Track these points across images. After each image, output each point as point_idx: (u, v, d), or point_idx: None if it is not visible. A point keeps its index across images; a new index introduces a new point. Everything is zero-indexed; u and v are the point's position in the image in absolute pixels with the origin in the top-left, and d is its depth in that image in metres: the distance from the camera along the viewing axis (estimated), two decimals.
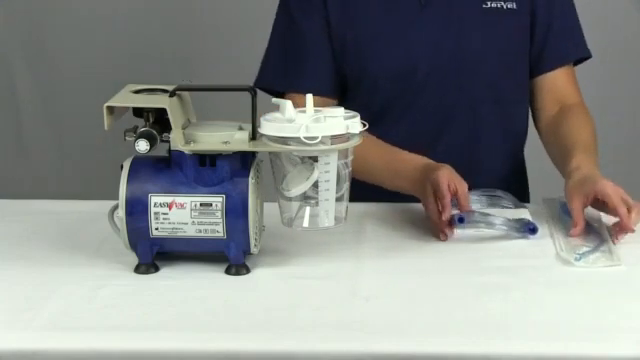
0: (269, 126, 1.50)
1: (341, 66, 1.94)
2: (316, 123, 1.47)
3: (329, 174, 1.51)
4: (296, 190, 1.51)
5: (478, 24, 1.91)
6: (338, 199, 1.53)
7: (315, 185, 1.51)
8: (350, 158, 1.53)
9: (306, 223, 1.55)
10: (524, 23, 1.93)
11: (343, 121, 1.49)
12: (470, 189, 1.74)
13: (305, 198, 1.54)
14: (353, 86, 1.95)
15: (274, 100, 1.54)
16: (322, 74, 1.94)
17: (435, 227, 1.68)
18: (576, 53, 2.01)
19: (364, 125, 1.52)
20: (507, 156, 1.99)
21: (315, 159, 1.50)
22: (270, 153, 1.52)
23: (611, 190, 1.66)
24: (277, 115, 1.51)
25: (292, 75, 1.94)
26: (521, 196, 1.89)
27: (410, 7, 1.91)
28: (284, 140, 1.49)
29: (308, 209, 1.54)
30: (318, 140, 1.47)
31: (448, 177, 1.67)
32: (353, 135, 1.51)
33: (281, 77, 1.95)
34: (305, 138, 1.47)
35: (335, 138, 1.49)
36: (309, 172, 1.51)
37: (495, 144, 1.96)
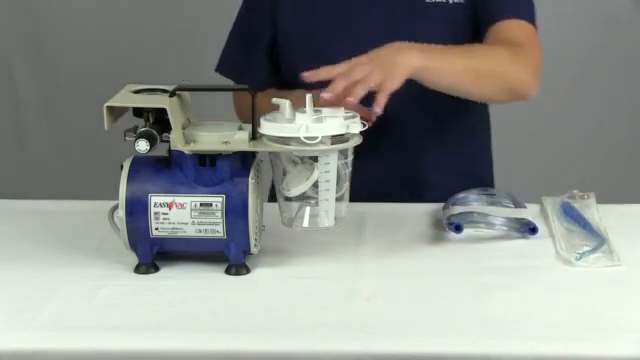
0: (269, 126, 1.50)
1: (283, 65, 1.97)
2: (316, 123, 1.47)
3: (329, 174, 1.51)
4: (296, 190, 1.51)
5: (421, 19, 1.89)
6: (338, 199, 1.53)
7: (315, 185, 1.51)
8: (350, 158, 1.53)
9: (306, 223, 1.55)
10: (471, 15, 1.90)
11: (343, 121, 1.49)
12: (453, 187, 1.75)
13: (305, 198, 1.54)
14: (293, 85, 1.93)
15: (274, 100, 1.54)
16: (265, 70, 1.99)
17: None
18: (512, 11, 1.89)
19: (364, 125, 1.52)
20: (453, 152, 1.97)
21: (315, 159, 1.50)
22: (270, 153, 1.52)
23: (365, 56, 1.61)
24: (277, 115, 1.51)
25: (239, 73, 2.00)
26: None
27: (359, 2, 1.92)
28: (284, 140, 1.49)
29: (308, 209, 1.54)
30: (318, 140, 1.47)
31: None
32: (353, 135, 1.51)
33: (231, 68, 2.02)
34: (305, 138, 1.47)
35: (335, 138, 1.49)
36: (309, 172, 1.51)
37: (441, 139, 1.95)
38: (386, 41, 1.69)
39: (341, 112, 1.50)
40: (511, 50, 1.80)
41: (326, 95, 1.54)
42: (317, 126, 1.47)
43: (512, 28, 1.86)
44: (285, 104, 1.50)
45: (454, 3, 1.90)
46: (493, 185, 2.03)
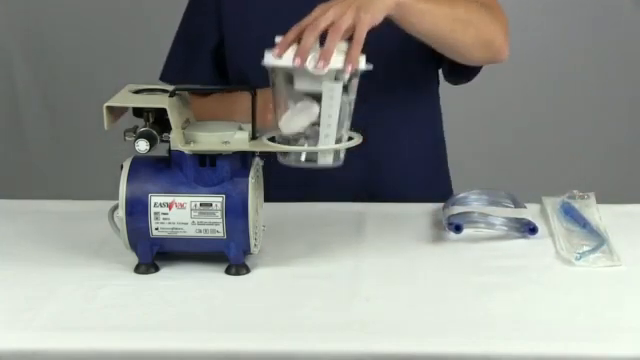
0: (273, 57, 1.48)
1: (229, 66, 1.94)
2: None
3: (332, 109, 1.47)
4: (296, 125, 1.49)
5: None
6: (338, 139, 1.51)
7: (316, 124, 1.49)
8: (353, 96, 1.50)
9: (303, 157, 1.52)
10: None
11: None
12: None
13: (304, 137, 1.51)
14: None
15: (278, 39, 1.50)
16: (210, 75, 1.95)
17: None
18: None
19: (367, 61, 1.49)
20: (412, 146, 1.96)
21: (317, 97, 1.48)
22: (273, 88, 1.50)
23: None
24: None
25: (183, 75, 1.96)
26: (441, 191, 1.88)
27: (304, 7, 1.89)
28: (289, 71, 1.47)
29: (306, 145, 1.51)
30: (325, 72, 1.45)
31: None
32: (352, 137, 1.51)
33: (175, 75, 1.96)
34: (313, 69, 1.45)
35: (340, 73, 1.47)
36: (310, 109, 1.49)
37: (395, 134, 1.93)
38: None
39: (344, 47, 1.48)
40: (485, 7, 1.76)
41: (298, 62, 1.46)
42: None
43: None
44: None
45: None
46: (449, 177, 2.04)
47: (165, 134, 1.51)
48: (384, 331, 1.36)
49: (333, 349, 1.31)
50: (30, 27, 3.19)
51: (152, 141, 1.49)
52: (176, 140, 1.50)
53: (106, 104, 1.50)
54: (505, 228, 1.68)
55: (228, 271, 1.53)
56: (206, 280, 1.52)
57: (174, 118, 1.50)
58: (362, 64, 1.48)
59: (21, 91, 3.23)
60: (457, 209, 1.71)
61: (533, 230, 1.66)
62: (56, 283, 1.50)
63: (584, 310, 1.42)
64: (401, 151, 1.93)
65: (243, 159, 1.52)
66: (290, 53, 1.47)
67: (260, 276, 1.54)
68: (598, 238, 1.63)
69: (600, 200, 1.78)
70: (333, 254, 1.61)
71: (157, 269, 1.54)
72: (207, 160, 1.51)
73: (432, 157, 2.02)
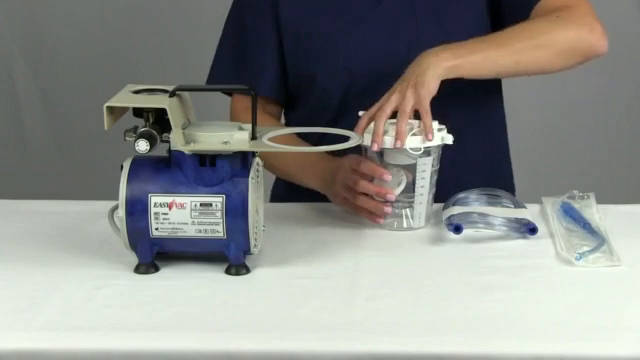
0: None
1: (292, 67, 1.91)
2: (415, 136, 1.62)
3: (424, 180, 1.66)
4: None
5: (434, 14, 1.87)
6: (428, 202, 1.69)
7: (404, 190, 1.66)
8: (437, 167, 1.67)
9: (405, 224, 1.70)
10: (482, 3, 1.89)
11: (438, 133, 1.63)
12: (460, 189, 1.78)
13: (394, 202, 1.66)
14: (306, 88, 1.91)
15: (361, 113, 1.66)
16: (270, 78, 1.92)
17: (365, 211, 1.70)
18: None
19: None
20: (478, 148, 1.95)
21: (404, 167, 1.65)
22: (364, 156, 1.66)
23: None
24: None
25: (240, 78, 1.92)
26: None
27: (365, 2, 1.88)
28: (383, 151, 1.64)
29: (404, 211, 1.69)
30: (421, 152, 1.62)
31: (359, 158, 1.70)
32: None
33: (230, 79, 1.93)
34: (410, 149, 1.61)
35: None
36: (399, 178, 1.65)
37: (461, 135, 1.92)
38: (393, 45, 1.77)
39: (435, 124, 1.64)
40: (553, 18, 1.80)
41: (375, 147, 1.62)
42: (417, 139, 1.62)
43: (551, 1, 1.85)
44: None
45: None
46: (512, 180, 2.03)
47: (165, 134, 1.52)
48: (384, 331, 1.36)
49: (333, 349, 1.32)
50: (30, 27, 3.19)
51: (152, 141, 1.49)
52: (176, 140, 1.50)
53: (106, 104, 1.50)
54: (505, 228, 1.68)
55: (228, 271, 1.53)
56: (206, 280, 1.52)
57: (174, 118, 1.50)
58: (449, 139, 1.65)
59: (21, 91, 3.23)
60: (457, 209, 1.71)
61: (533, 230, 1.66)
62: (56, 283, 1.50)
63: (584, 310, 1.42)
64: (467, 151, 1.90)
65: (243, 159, 1.52)
66: (368, 136, 1.64)
67: (260, 276, 1.54)
68: (598, 238, 1.63)
69: (600, 200, 1.78)
70: (333, 254, 1.61)
71: (157, 269, 1.54)
72: (207, 160, 1.51)
73: (496, 159, 1.99)
